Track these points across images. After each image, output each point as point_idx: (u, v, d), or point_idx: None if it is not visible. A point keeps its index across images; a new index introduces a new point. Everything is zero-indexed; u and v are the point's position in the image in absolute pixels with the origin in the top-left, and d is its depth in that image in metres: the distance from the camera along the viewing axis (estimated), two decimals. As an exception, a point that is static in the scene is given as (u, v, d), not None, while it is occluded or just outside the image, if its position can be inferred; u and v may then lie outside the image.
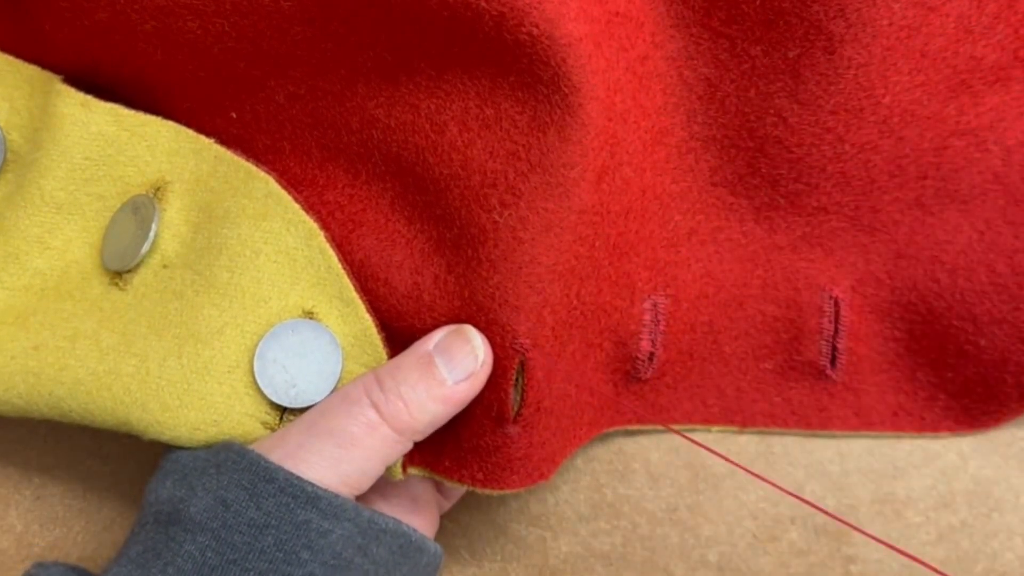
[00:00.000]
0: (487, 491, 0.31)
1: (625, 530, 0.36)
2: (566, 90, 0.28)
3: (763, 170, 0.34)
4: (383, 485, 0.32)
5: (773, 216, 0.34)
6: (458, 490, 0.34)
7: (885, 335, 0.34)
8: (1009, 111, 0.34)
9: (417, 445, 0.31)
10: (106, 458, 0.37)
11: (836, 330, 0.34)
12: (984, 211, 0.34)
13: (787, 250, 0.34)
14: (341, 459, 0.28)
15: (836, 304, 0.34)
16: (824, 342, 0.34)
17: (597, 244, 0.32)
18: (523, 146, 0.29)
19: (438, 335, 0.30)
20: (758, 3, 0.32)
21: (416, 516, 0.32)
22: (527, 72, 0.29)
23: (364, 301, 0.32)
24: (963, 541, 0.34)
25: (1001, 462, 0.34)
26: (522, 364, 0.30)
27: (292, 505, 0.27)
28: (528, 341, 0.30)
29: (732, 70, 0.33)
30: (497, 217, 0.30)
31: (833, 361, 0.34)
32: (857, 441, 0.35)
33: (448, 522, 0.36)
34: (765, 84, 0.33)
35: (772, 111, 0.33)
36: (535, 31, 0.28)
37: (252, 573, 0.27)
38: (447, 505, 0.35)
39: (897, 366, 0.34)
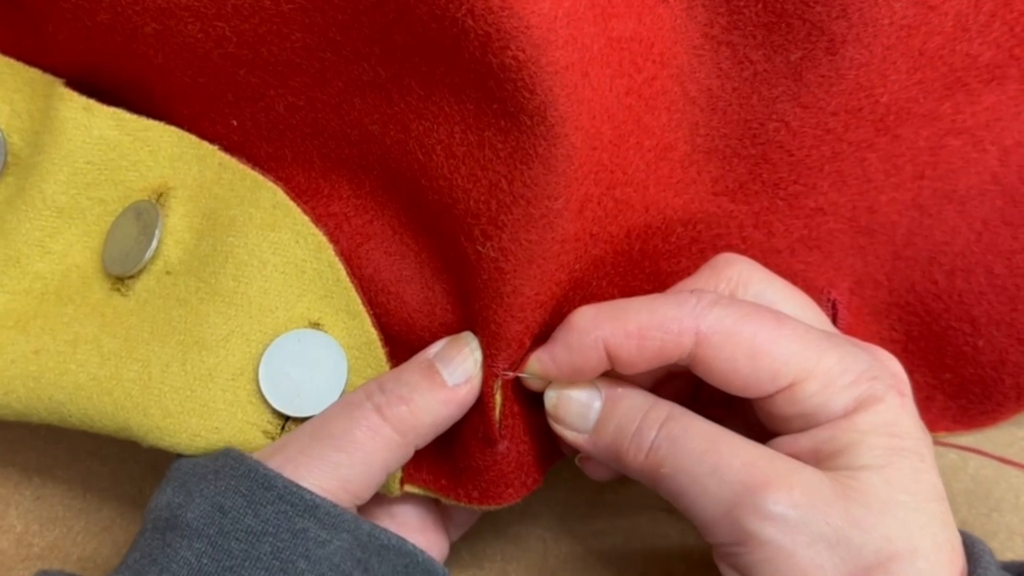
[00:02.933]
0: (485, 507, 0.31)
1: (625, 530, 0.36)
2: (552, 120, 0.27)
3: (764, 176, 0.34)
4: (392, 504, 0.32)
5: (771, 220, 0.34)
6: (465, 519, 0.34)
7: (883, 336, 0.34)
8: (1006, 111, 0.34)
9: (415, 466, 0.31)
10: (106, 458, 0.37)
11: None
12: (982, 212, 0.34)
13: (785, 253, 0.34)
14: (342, 463, 0.28)
15: (834, 306, 0.34)
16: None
17: (577, 267, 0.31)
18: (505, 177, 0.29)
19: (437, 345, 0.30)
20: (759, 7, 0.32)
21: (424, 538, 0.32)
22: (511, 100, 0.28)
23: (370, 314, 0.32)
24: (962, 541, 0.34)
25: (1001, 462, 0.34)
26: (501, 387, 0.30)
27: (290, 513, 0.27)
28: (507, 364, 0.30)
29: (734, 78, 0.33)
30: (480, 248, 0.29)
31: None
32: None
33: (448, 522, 0.36)
34: (767, 89, 0.33)
35: (775, 116, 0.33)
36: (521, 56, 0.27)
37: None
38: (456, 535, 0.34)
39: None
